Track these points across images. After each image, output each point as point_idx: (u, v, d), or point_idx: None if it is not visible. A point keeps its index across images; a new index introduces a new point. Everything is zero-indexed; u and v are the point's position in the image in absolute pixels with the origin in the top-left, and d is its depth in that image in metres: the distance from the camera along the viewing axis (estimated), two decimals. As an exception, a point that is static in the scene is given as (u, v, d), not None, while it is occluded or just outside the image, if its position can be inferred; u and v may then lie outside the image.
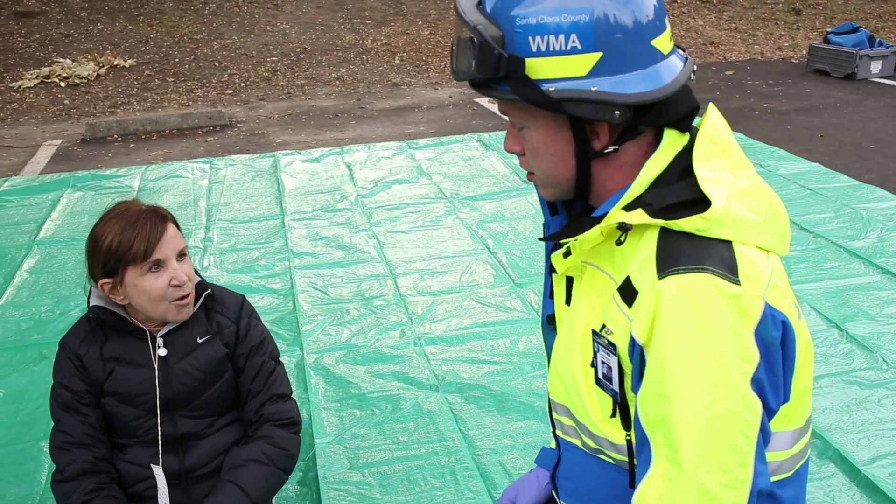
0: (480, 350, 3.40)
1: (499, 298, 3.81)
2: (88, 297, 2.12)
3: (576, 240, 1.30)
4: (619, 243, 1.27)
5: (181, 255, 2.06)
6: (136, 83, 9.23)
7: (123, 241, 1.99)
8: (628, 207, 1.25)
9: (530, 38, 1.22)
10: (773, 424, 1.22)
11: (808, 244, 4.32)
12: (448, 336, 3.49)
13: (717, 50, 10.33)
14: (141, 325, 2.10)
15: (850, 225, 4.55)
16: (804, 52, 9.75)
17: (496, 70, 1.24)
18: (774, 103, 7.78)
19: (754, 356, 1.14)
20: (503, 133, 6.23)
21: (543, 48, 1.22)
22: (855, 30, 8.82)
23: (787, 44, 10.52)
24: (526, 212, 4.87)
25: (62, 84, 9.16)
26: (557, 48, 1.22)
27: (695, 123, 1.33)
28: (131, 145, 7.26)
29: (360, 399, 3.09)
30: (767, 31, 11.12)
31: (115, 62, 9.66)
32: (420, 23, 11.25)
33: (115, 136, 7.51)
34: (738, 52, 10.21)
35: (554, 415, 1.49)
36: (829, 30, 9.65)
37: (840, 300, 3.72)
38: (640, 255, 1.23)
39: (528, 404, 3.01)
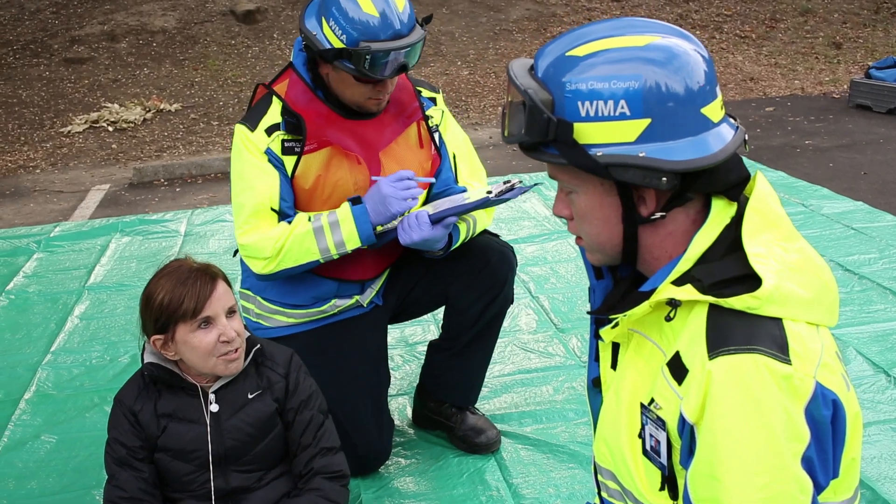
0: (524, 397, 3.41)
1: (541, 344, 3.83)
2: (142, 354, 2.18)
3: (625, 315, 1.32)
4: (668, 319, 1.28)
5: (231, 311, 2.12)
6: (181, 127, 9.41)
7: (174, 298, 2.06)
8: (677, 282, 1.26)
9: (580, 104, 1.25)
10: (822, 497, 1.22)
11: (852, 286, 4.28)
12: (490, 383, 3.50)
13: (757, 86, 10.30)
14: (193, 382, 2.15)
15: (896, 266, 4.50)
16: (845, 86, 9.68)
17: (545, 134, 1.26)
18: (816, 140, 7.74)
19: (805, 436, 1.15)
20: (543, 174, 6.26)
21: (592, 113, 1.24)
22: (897, 64, 8.77)
23: (827, 78, 10.46)
24: (567, 255, 4.88)
25: (110, 128, 9.36)
26: (606, 114, 1.24)
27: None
28: (177, 189, 7.40)
29: (405, 447, 3.11)
30: (808, 65, 11.07)
31: (161, 106, 9.86)
32: (459, 63, 11.36)
33: (162, 180, 7.67)
34: (778, 88, 10.18)
35: (599, 477, 1.50)
36: (870, 64, 9.59)
37: (887, 344, 3.67)
38: (690, 331, 1.24)
39: (573, 453, 3.01)
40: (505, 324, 4.01)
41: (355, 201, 2.56)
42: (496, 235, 3.02)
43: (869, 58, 11.12)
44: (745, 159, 5.74)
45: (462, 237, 2.76)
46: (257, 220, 2.59)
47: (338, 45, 2.49)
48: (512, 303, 3.08)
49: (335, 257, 2.59)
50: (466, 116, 9.51)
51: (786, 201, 5.57)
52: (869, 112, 8.65)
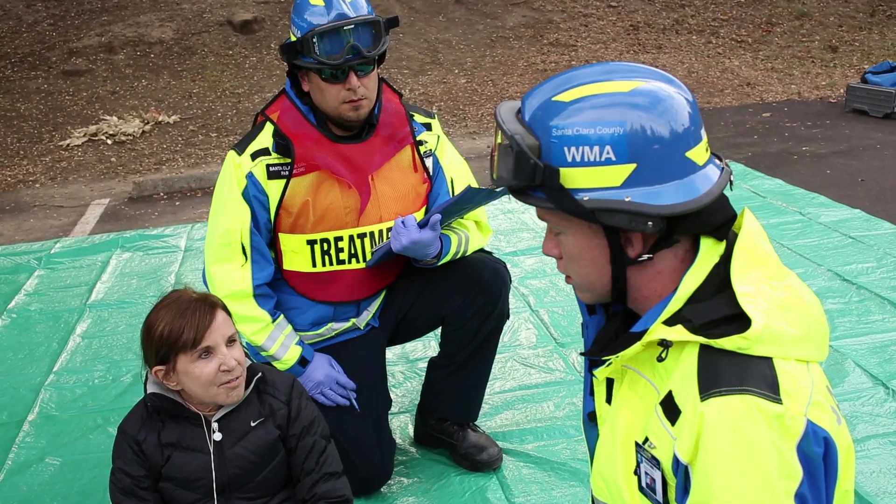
0: (524, 414, 3.43)
1: (541, 359, 3.85)
2: (145, 384, 2.21)
3: (616, 357, 1.34)
4: (660, 359, 1.30)
5: (231, 340, 2.15)
6: (180, 139, 9.44)
7: (174, 329, 2.09)
8: (668, 322, 1.28)
9: (566, 149, 1.27)
10: (816, 530, 1.24)
11: (850, 296, 4.29)
12: (491, 399, 3.51)
13: (754, 91, 10.33)
14: (196, 411, 2.17)
15: (895, 275, 4.51)
16: (842, 90, 9.72)
17: (532, 179, 1.29)
18: (813, 146, 7.76)
19: (797, 473, 1.18)
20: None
21: (578, 159, 1.27)
22: (893, 69, 8.78)
23: (824, 82, 10.50)
24: (566, 267, 4.89)
25: (109, 141, 9.38)
26: (592, 159, 1.26)
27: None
28: (177, 203, 7.42)
29: (407, 466, 3.13)
30: (804, 69, 11.11)
31: (160, 118, 9.88)
32: (457, 71, 11.38)
33: (161, 193, 7.69)
34: (774, 93, 10.20)
35: (597, 510, 1.52)
36: (867, 68, 9.62)
37: (885, 356, 3.68)
38: (682, 371, 1.26)
39: (574, 470, 3.03)
40: (505, 338, 4.04)
41: (303, 362, 2.76)
42: (489, 253, 3.05)
43: (865, 61, 11.16)
44: (744, 166, 5.71)
45: (453, 248, 2.80)
46: (228, 251, 2.73)
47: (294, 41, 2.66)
48: (508, 318, 3.10)
49: (264, 357, 2.76)
50: (464, 125, 9.54)
51: (783, 210, 5.59)
52: (865, 117, 8.68)
